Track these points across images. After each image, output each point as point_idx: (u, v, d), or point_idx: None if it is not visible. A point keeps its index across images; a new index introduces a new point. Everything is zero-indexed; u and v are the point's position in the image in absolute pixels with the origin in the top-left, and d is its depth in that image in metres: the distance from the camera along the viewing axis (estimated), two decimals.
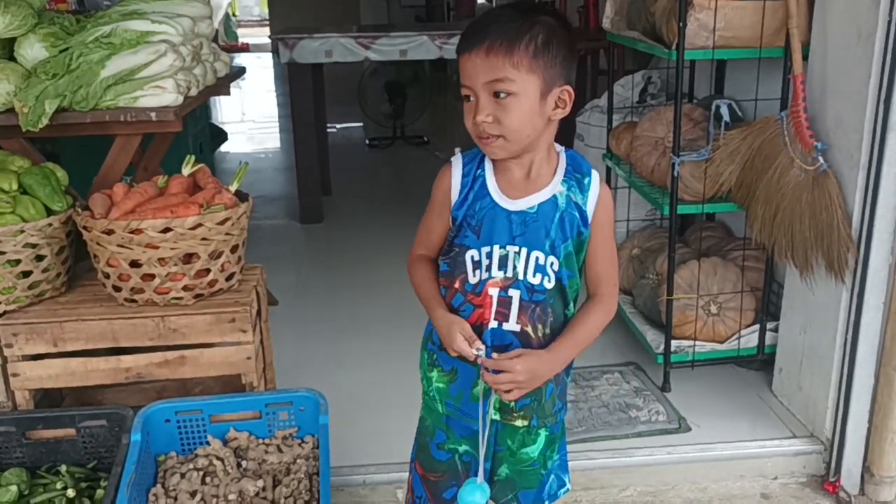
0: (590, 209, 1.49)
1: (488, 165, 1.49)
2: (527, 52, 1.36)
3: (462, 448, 1.63)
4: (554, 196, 1.47)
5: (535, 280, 1.47)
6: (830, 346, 2.33)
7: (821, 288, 2.36)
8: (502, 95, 1.37)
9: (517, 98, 1.37)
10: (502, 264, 1.47)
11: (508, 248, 1.46)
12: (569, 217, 1.47)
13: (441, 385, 1.59)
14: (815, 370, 2.43)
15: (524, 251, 1.46)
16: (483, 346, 1.43)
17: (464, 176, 1.50)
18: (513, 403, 1.54)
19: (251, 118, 8.93)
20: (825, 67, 2.29)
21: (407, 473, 2.28)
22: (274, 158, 6.80)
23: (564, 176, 1.48)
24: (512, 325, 1.48)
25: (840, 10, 2.22)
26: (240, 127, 8.29)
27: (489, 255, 1.47)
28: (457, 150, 1.61)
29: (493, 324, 1.49)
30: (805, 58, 2.38)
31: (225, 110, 9.52)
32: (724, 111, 2.52)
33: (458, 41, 1.42)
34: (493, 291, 1.48)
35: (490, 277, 1.47)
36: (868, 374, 2.24)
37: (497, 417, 1.57)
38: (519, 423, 1.57)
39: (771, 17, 2.42)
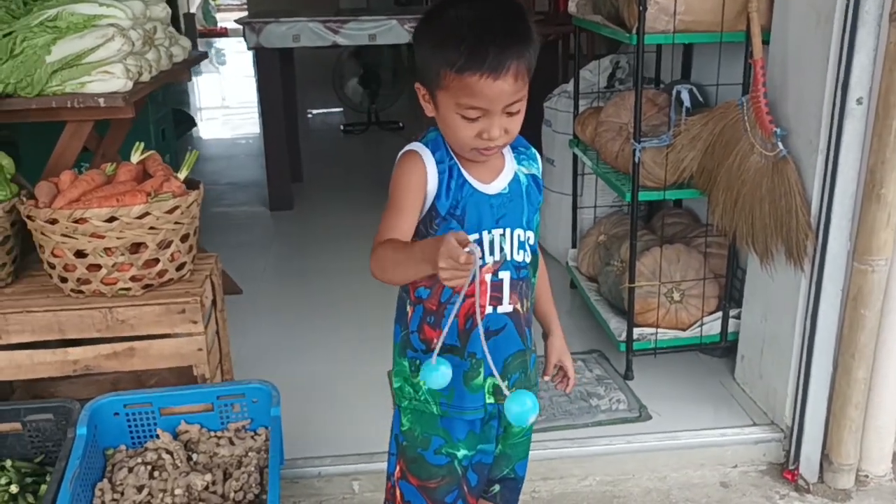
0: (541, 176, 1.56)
1: (454, 152, 1.46)
2: (533, 66, 1.37)
3: (461, 453, 1.60)
4: (516, 174, 1.51)
5: (519, 257, 1.50)
6: (790, 334, 2.31)
7: (781, 275, 2.34)
8: (516, 111, 1.37)
9: (522, 106, 1.39)
10: (492, 249, 1.47)
11: (494, 231, 1.47)
12: (531, 190, 1.53)
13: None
14: (776, 358, 2.41)
15: (508, 231, 1.48)
16: (476, 246, 1.24)
17: (438, 163, 1.45)
18: (505, 382, 1.54)
19: (230, 104, 8.82)
20: (786, 52, 2.26)
21: (365, 465, 2.29)
22: (249, 144, 6.71)
23: (514, 153, 1.53)
24: (506, 306, 1.50)
25: None
26: (217, 112, 8.19)
27: (478, 242, 1.46)
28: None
29: (489, 309, 1.49)
30: (767, 42, 2.35)
31: (204, 95, 9.41)
32: (685, 96, 2.48)
33: (458, 57, 1.30)
34: (486, 277, 1.48)
35: (484, 264, 1.46)
36: (826, 362, 2.22)
37: (492, 401, 1.56)
38: None
39: (732, 1, 2.39)
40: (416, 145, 1.49)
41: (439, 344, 1.34)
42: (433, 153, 1.46)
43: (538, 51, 1.39)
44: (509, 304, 1.50)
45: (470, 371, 1.51)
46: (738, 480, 2.35)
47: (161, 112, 3.63)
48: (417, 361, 1.55)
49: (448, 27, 1.34)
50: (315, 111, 7.73)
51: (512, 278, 1.50)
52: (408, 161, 1.47)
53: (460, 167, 1.46)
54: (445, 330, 1.35)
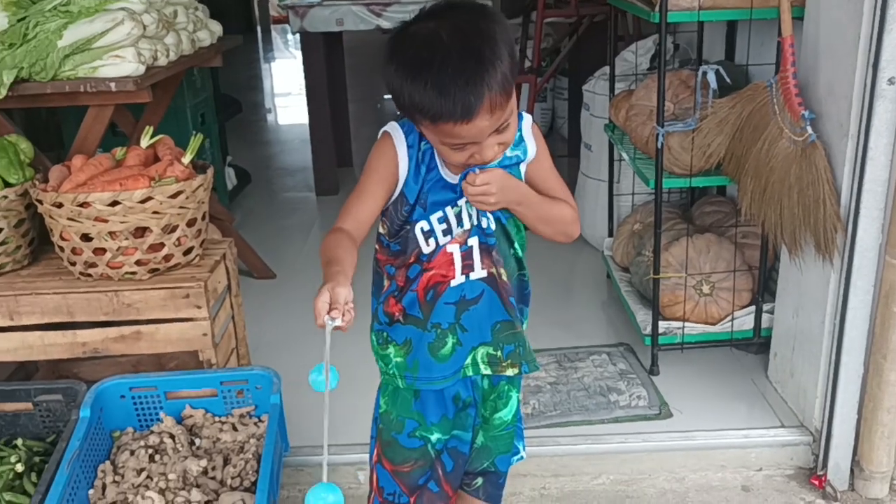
0: (530, 152, 1.46)
1: None
2: (514, 82, 1.29)
3: (434, 437, 1.59)
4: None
5: (483, 224, 1.46)
6: (819, 332, 2.16)
7: (810, 268, 2.19)
8: (506, 126, 1.32)
9: (512, 118, 1.33)
10: (460, 220, 1.44)
11: (459, 202, 1.43)
12: (505, 160, 1.43)
13: (399, 359, 1.54)
14: (806, 356, 2.26)
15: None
16: (337, 322, 1.19)
17: (409, 147, 1.41)
18: (500, 352, 1.51)
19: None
20: (818, 29, 2.10)
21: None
22: (306, 130, 6.75)
23: None
24: (479, 272, 1.46)
25: None
26: (290, 100, 8.23)
27: (442, 220, 1.44)
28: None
29: (460, 278, 1.46)
30: (801, 18, 2.20)
31: (280, 81, 9.47)
32: (711, 77, 2.34)
33: (428, 108, 1.23)
34: (454, 248, 1.44)
35: (451, 238, 1.44)
36: (857, 363, 2.07)
37: (488, 372, 1.53)
38: (510, 371, 1.54)
39: None
40: (391, 126, 1.44)
41: (327, 350, 1.21)
42: (406, 136, 1.41)
43: (515, 57, 1.30)
44: (482, 268, 1.46)
45: (436, 342, 1.49)
46: (762, 485, 2.22)
47: (200, 97, 3.64)
48: (384, 334, 1.55)
49: (413, 67, 1.25)
50: (388, 97, 7.70)
51: (480, 242, 1.46)
52: (380, 144, 1.43)
53: (434, 153, 1.41)
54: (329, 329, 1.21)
